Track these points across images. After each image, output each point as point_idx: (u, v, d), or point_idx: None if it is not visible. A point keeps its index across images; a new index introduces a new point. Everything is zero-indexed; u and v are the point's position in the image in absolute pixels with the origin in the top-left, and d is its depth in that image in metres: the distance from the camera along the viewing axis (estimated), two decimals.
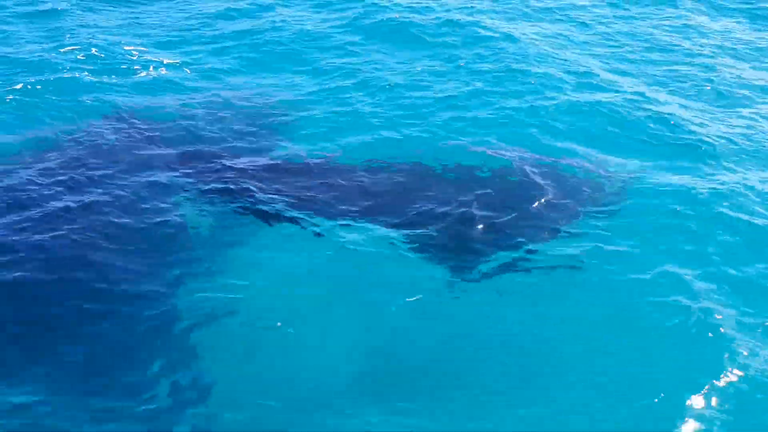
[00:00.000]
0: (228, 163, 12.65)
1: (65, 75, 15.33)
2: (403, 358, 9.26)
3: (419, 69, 16.48)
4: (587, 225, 11.38)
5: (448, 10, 19.34)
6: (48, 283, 9.90)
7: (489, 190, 11.97)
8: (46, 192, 11.52)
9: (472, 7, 19.81)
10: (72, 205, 11.20)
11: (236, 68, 16.65)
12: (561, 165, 12.83)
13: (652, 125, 14.21)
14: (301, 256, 10.73)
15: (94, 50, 16.56)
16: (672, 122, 14.31)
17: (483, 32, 18.10)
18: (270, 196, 11.70)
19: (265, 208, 11.51)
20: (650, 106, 14.79)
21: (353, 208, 11.49)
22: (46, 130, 13.59)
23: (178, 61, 16.56)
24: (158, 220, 11.18)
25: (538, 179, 12.16)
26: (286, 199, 11.63)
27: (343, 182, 12.17)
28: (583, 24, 19.40)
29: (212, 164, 12.62)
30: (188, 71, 16.20)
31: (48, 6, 19.02)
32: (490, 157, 12.88)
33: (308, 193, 11.84)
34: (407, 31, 18.27)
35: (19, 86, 14.68)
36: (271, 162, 12.86)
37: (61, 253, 10.32)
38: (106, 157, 12.63)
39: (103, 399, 8.55)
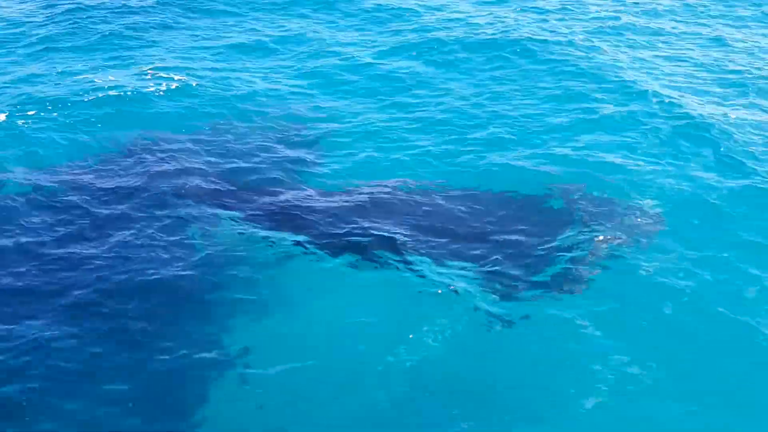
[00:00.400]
0: (262, 189, 12.60)
1: (95, 100, 15.49)
2: (435, 384, 9.17)
3: (471, 93, 16.29)
4: (629, 255, 11.08)
5: (502, 32, 19.18)
6: (86, 303, 10.03)
7: (534, 217, 11.81)
8: (83, 219, 11.67)
9: (523, 27, 19.66)
10: (109, 231, 11.35)
11: (273, 92, 16.58)
12: (609, 190, 12.63)
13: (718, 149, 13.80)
14: (339, 285, 10.66)
15: (111, 77, 16.68)
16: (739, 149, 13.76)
17: (537, 54, 17.92)
18: (307, 223, 11.59)
19: (299, 235, 11.39)
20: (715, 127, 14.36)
21: (389, 236, 11.33)
22: (79, 155, 13.71)
23: (209, 85, 16.58)
24: (190, 246, 11.18)
25: (584, 207, 12.00)
26: (321, 227, 11.50)
27: (379, 208, 12.00)
28: (639, 44, 18.96)
29: (245, 190, 12.55)
30: (221, 94, 16.18)
31: (72, 36, 19.21)
32: (539, 184, 12.74)
33: (346, 221, 11.67)
34: (461, 54, 18.18)
35: (54, 113, 14.87)
36: (309, 188, 12.75)
37: (97, 278, 10.45)
38: (141, 182, 12.64)
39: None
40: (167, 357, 9.33)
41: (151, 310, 10.00)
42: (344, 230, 11.42)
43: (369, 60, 17.82)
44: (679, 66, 17.49)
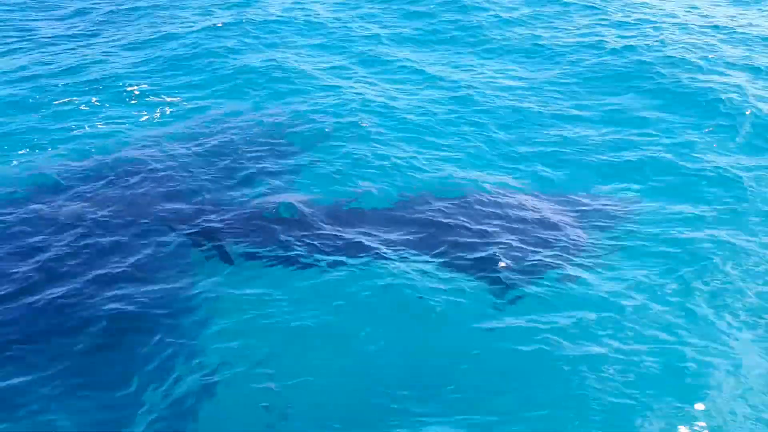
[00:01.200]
0: (235, 204, 12.52)
1: (71, 122, 15.42)
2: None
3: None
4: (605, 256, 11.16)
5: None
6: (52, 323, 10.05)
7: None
8: (57, 237, 11.60)
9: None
10: (82, 252, 11.25)
11: (248, 105, 16.45)
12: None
13: None
14: (310, 295, 10.56)
15: (95, 99, 16.56)
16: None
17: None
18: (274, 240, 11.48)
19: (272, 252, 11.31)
20: None
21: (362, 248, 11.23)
22: (56, 176, 13.49)
23: (181, 99, 16.43)
24: (167, 264, 11.14)
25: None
26: (311, 240, 11.43)
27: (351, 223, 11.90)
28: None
29: (218, 206, 12.47)
30: (194, 109, 16.04)
31: (44, 57, 19.01)
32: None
33: (315, 236, 11.57)
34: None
35: (29, 136, 14.74)
36: (306, 197, 12.68)
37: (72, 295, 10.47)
38: (117, 204, 12.51)
39: None
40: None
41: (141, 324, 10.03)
42: (337, 241, 11.35)
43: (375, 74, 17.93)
44: None
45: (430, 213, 12.05)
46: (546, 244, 11.27)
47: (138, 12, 22.53)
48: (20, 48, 19.68)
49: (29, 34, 20.72)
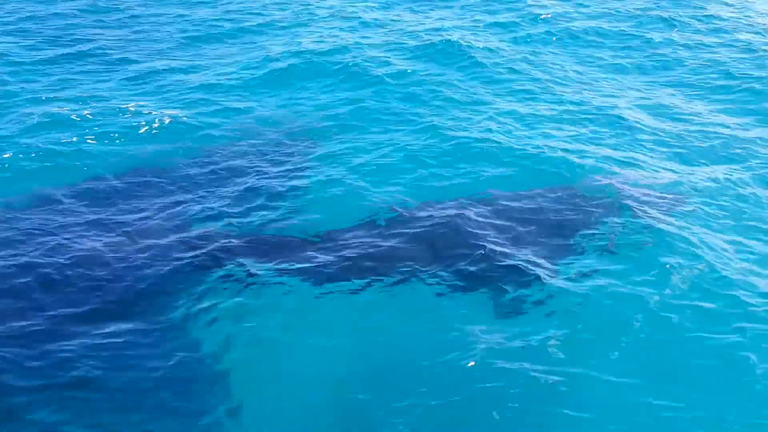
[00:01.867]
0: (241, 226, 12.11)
1: (64, 137, 14.84)
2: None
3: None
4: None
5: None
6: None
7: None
8: (51, 256, 11.12)
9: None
10: (79, 277, 10.75)
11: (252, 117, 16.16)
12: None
13: None
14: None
15: (87, 112, 15.99)
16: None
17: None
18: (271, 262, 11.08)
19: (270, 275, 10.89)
20: None
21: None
22: (48, 192, 13.07)
23: (179, 113, 16.04)
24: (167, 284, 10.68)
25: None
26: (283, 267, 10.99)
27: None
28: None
29: (221, 227, 12.06)
30: (193, 123, 15.64)
31: (40, 68, 18.54)
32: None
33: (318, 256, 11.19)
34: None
35: (21, 151, 14.11)
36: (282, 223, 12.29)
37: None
38: (133, 218, 12.18)
39: None
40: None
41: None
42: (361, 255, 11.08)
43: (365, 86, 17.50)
44: None
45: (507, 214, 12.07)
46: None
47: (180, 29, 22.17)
48: (59, 59, 19.41)
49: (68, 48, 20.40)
